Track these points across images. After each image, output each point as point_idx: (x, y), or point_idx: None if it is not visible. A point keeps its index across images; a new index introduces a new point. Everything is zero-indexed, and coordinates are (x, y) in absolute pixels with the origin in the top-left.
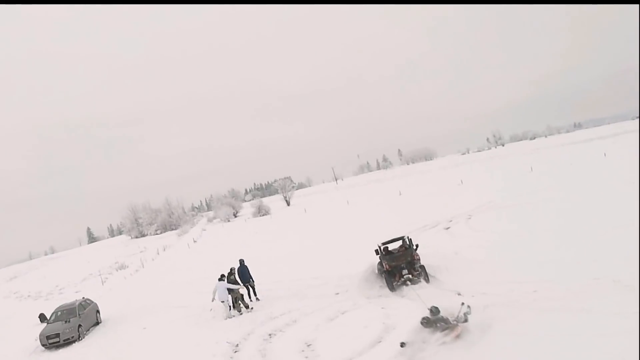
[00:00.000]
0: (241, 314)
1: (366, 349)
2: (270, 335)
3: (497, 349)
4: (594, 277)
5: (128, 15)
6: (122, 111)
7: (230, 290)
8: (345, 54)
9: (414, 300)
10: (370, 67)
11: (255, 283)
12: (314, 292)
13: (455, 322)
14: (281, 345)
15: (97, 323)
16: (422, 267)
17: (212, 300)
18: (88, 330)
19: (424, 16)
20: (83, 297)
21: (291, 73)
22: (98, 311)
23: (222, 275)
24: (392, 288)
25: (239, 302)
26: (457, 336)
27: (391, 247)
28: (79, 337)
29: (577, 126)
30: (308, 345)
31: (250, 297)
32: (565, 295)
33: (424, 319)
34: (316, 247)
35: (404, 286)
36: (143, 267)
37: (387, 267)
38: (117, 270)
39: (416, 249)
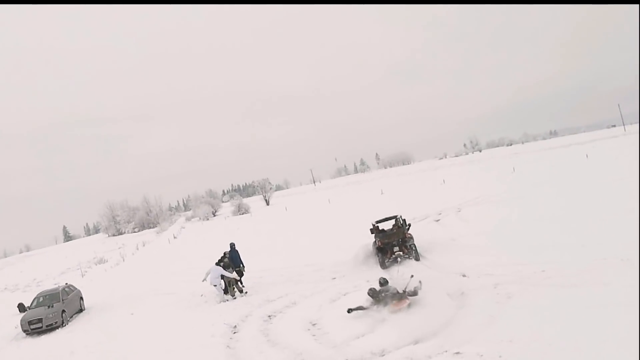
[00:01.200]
0: (235, 298)
1: (366, 330)
2: (269, 316)
3: (518, 319)
4: (602, 257)
5: (107, 15)
6: (100, 110)
7: (223, 276)
8: (325, 61)
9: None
10: (349, 74)
11: (244, 269)
12: (310, 277)
13: (403, 294)
14: (284, 325)
15: (81, 310)
16: (413, 245)
17: (203, 280)
18: (71, 317)
19: (408, 21)
20: (66, 283)
21: (273, 77)
22: (82, 298)
23: (219, 261)
24: (383, 265)
25: (233, 286)
26: (406, 306)
27: (386, 227)
28: (63, 323)
29: (553, 134)
30: (313, 324)
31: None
32: (577, 272)
33: (370, 289)
34: (304, 239)
35: (395, 264)
36: (123, 260)
37: (380, 243)
38: (96, 265)
39: (408, 229)
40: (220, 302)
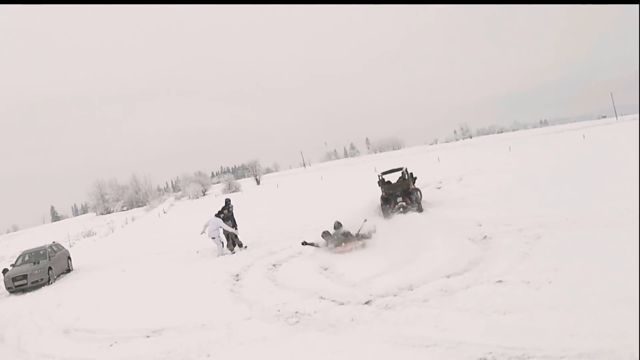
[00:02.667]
0: (234, 252)
1: (385, 271)
2: (274, 265)
3: (555, 253)
4: (624, 208)
5: None
6: (91, 90)
7: (223, 229)
8: (318, 46)
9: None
10: (339, 60)
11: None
12: (313, 234)
13: (354, 236)
14: (292, 270)
15: (69, 270)
16: (417, 197)
17: (202, 233)
18: (58, 276)
19: (401, 11)
20: (53, 242)
21: (267, 61)
22: (69, 258)
23: (219, 212)
24: (386, 214)
25: (232, 240)
26: (358, 247)
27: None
28: (49, 280)
29: (544, 123)
30: (325, 269)
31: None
32: (605, 216)
33: (324, 232)
34: (301, 205)
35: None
36: (113, 232)
37: (384, 194)
38: (84, 237)
39: (414, 182)
40: (218, 256)
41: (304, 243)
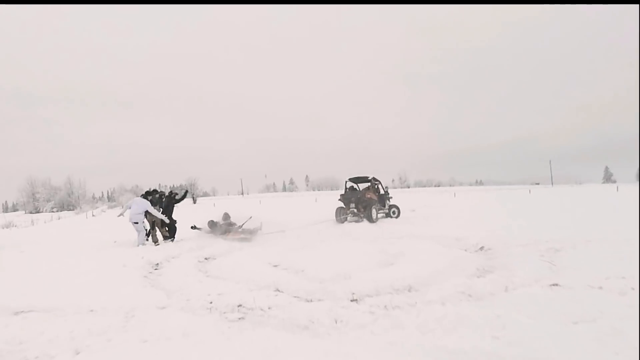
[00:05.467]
0: (158, 244)
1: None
2: (207, 258)
3: (595, 264)
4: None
5: None
6: (34, 89)
7: (148, 214)
8: (263, 85)
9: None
10: (283, 100)
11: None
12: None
13: (237, 227)
14: (230, 263)
15: None
16: (370, 208)
17: (119, 216)
18: None
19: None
20: None
21: (208, 81)
22: None
23: (147, 194)
24: (338, 220)
25: (157, 229)
26: (238, 237)
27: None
28: None
29: (479, 183)
30: (275, 266)
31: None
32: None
33: (210, 221)
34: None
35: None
36: (33, 224)
37: (340, 200)
38: (2, 229)
39: (376, 191)
40: (138, 245)
41: (193, 227)
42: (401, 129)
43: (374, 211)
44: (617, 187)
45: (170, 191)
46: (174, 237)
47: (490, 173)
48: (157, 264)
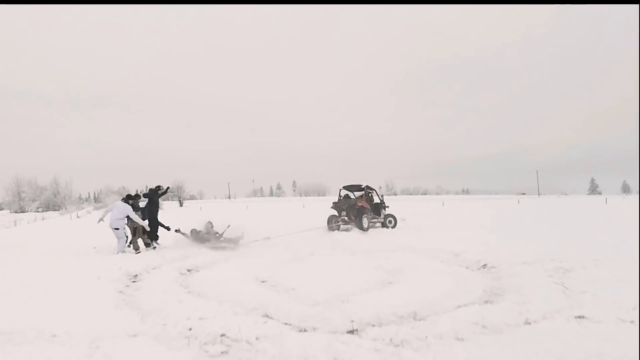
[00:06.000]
0: (138, 252)
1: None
2: (189, 270)
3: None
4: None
5: None
6: (32, 87)
7: (129, 220)
8: (256, 87)
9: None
10: (277, 102)
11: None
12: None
13: (219, 236)
14: (215, 275)
15: None
16: (361, 217)
17: (100, 221)
18: None
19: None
20: None
21: (200, 92)
22: None
23: (129, 197)
24: (329, 228)
25: (138, 236)
26: (221, 245)
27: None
28: None
29: (465, 192)
30: (263, 281)
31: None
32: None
33: (192, 229)
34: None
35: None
36: (15, 225)
37: (332, 208)
38: None
39: (369, 200)
40: (118, 253)
41: (177, 230)
42: (390, 137)
43: (365, 220)
44: (606, 200)
45: (157, 186)
46: (157, 239)
47: (476, 182)
48: (136, 275)
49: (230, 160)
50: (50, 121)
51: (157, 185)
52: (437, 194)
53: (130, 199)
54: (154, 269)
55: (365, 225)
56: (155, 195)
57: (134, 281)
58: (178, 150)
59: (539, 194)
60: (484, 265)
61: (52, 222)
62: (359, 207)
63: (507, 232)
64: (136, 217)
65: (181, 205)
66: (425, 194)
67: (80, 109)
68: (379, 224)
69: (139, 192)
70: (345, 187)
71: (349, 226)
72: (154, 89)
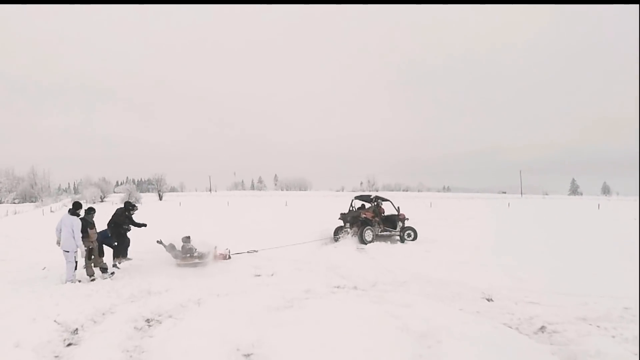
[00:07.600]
0: (93, 279)
1: None
2: (148, 320)
3: None
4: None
5: None
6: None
7: (85, 236)
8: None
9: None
10: (260, 97)
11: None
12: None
13: (192, 252)
14: (181, 340)
15: None
16: (364, 229)
17: (58, 243)
18: None
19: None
20: None
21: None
22: None
23: (76, 207)
24: (335, 238)
25: (94, 259)
26: (192, 262)
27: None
28: None
29: (447, 189)
30: (248, 355)
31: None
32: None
33: (169, 244)
34: (207, 223)
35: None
36: None
37: (339, 219)
38: None
39: (374, 210)
40: (66, 282)
41: (159, 242)
42: (374, 134)
43: (368, 232)
44: (599, 205)
45: (128, 202)
46: (126, 255)
47: (457, 180)
48: (75, 330)
49: (212, 153)
50: (30, 110)
51: (128, 202)
52: (418, 191)
53: (79, 209)
54: (103, 315)
55: (368, 238)
56: (122, 216)
57: (68, 344)
58: (158, 142)
59: (521, 194)
60: (542, 329)
61: (23, 217)
62: (363, 219)
63: (532, 253)
64: (79, 237)
65: (160, 199)
66: (406, 191)
67: (61, 98)
68: (397, 237)
69: (92, 207)
70: (357, 197)
71: (354, 237)
72: (135, 82)
